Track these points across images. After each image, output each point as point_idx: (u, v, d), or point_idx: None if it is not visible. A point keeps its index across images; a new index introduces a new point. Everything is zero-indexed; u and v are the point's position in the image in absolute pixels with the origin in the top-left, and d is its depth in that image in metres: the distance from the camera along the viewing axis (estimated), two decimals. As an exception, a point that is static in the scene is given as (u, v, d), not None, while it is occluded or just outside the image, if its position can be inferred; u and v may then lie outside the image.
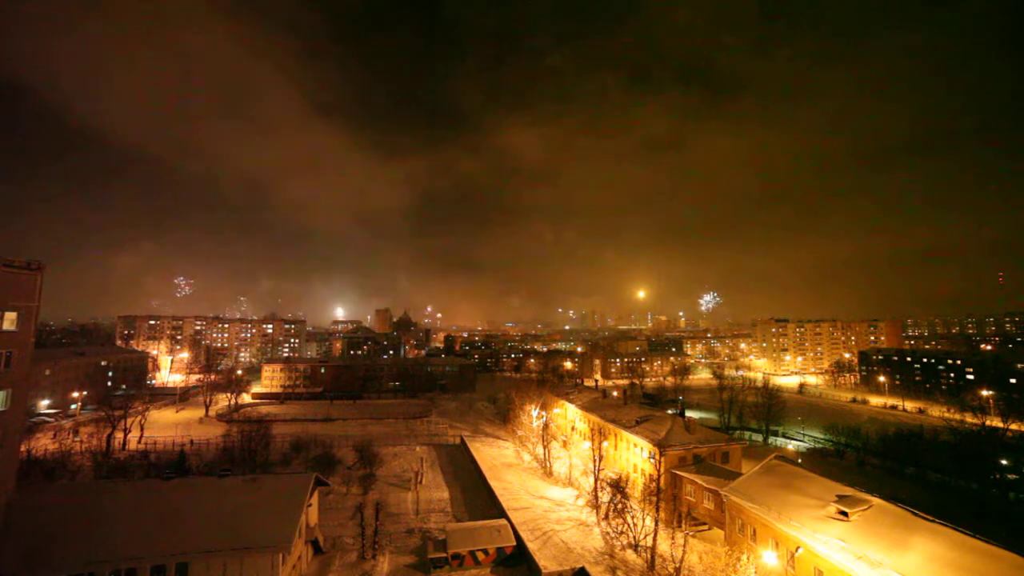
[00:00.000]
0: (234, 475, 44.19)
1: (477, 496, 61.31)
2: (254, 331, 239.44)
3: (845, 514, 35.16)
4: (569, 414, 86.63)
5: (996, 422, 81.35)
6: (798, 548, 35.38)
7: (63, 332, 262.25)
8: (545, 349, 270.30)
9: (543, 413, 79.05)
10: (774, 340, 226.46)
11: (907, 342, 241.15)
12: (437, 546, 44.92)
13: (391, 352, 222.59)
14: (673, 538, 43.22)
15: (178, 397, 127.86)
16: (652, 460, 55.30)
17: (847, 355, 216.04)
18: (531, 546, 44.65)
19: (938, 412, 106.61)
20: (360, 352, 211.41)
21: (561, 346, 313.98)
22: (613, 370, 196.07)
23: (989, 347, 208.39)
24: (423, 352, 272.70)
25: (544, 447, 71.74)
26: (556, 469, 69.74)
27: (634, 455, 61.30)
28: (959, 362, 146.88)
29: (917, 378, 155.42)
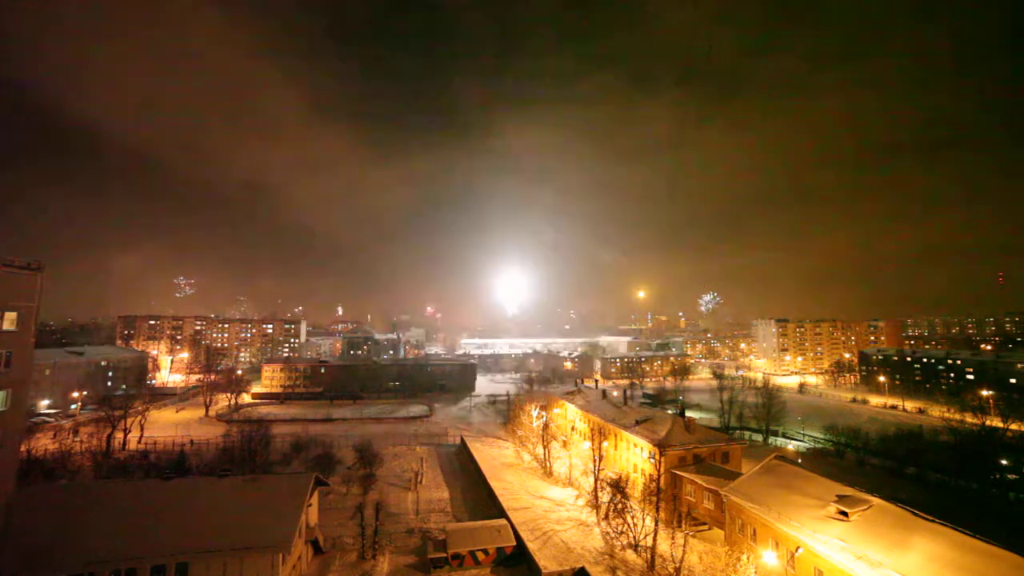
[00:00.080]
0: (234, 475, 44.20)
1: (477, 496, 61.32)
2: (254, 331, 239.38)
3: (845, 514, 35.17)
4: (569, 414, 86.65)
5: (996, 422, 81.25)
6: (798, 548, 35.39)
7: (63, 332, 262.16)
8: (545, 349, 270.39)
9: (543, 413, 79.06)
10: (774, 340, 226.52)
11: (907, 342, 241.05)
12: (437, 546, 44.92)
13: (391, 352, 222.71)
14: (673, 538, 43.19)
15: (178, 397, 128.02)
16: (652, 460, 55.30)
17: (847, 355, 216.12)
18: (531, 546, 44.65)
19: (938, 412, 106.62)
20: (360, 352, 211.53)
21: (561, 346, 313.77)
22: (613, 370, 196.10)
23: (989, 347, 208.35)
24: (423, 352, 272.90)
25: (544, 447, 71.75)
26: (556, 469, 69.74)
27: (634, 455, 61.30)
28: (959, 362, 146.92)
29: (917, 378, 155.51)
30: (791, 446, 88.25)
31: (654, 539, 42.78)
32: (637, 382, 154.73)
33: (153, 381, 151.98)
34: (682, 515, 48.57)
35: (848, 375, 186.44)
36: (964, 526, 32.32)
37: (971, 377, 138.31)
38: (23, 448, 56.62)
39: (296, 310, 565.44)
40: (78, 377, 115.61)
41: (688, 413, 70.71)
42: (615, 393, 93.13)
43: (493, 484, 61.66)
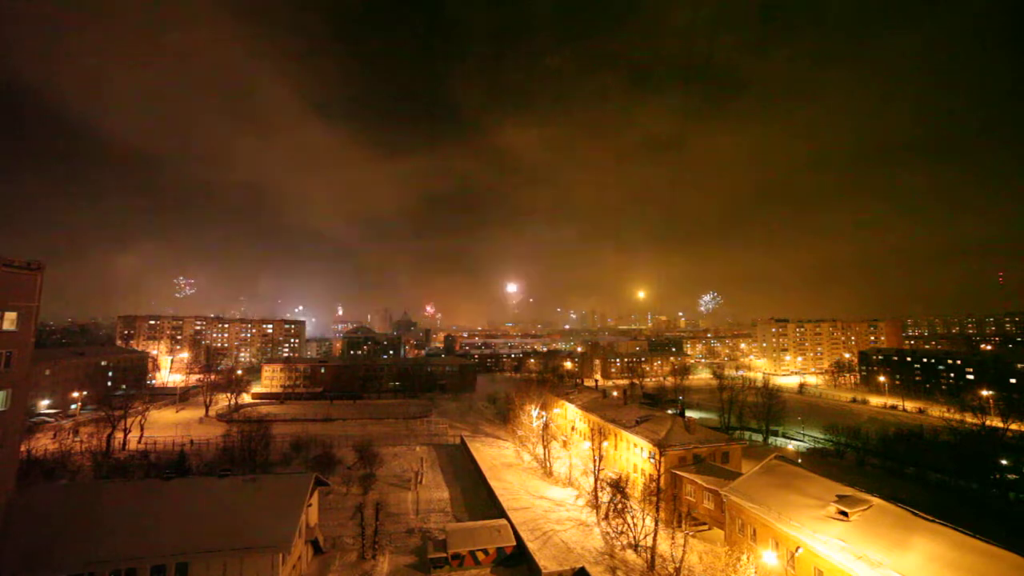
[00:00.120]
0: (234, 475, 44.15)
1: (477, 496, 61.32)
2: (254, 331, 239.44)
3: (845, 514, 35.16)
4: (569, 414, 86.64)
5: (996, 422, 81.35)
6: (798, 548, 35.39)
7: (63, 332, 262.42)
8: (545, 349, 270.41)
9: (543, 413, 79.05)
10: (774, 340, 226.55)
11: (907, 342, 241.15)
12: (437, 546, 44.94)
13: (391, 352, 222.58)
14: (673, 538, 43.20)
15: (178, 397, 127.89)
16: (652, 460, 55.30)
17: (847, 355, 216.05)
18: (531, 546, 44.66)
19: (938, 412, 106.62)
20: (360, 352, 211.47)
21: (561, 346, 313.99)
22: (613, 370, 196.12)
23: (989, 347, 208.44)
24: (423, 352, 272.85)
25: (544, 447, 71.74)
26: (556, 469, 69.74)
27: (634, 455, 61.30)
28: (959, 362, 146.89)
29: (917, 378, 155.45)
30: (791, 446, 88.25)
31: (654, 539, 42.79)
32: (637, 382, 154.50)
33: (153, 381, 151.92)
34: (682, 515, 48.55)
35: (848, 375, 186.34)
36: (964, 526, 32.31)
37: (971, 377, 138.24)
38: (23, 448, 56.65)
39: (296, 310, 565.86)
40: (78, 377, 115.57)
41: (688, 413, 70.80)
42: (615, 393, 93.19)
43: (493, 484, 61.67)
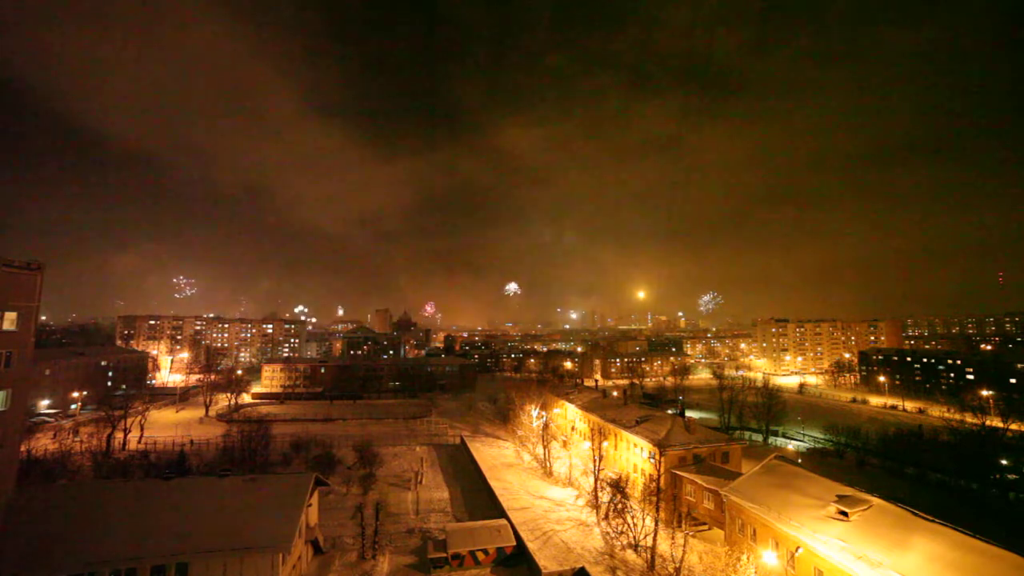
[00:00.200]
0: (234, 475, 44.14)
1: (477, 496, 61.31)
2: (254, 331, 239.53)
3: (845, 514, 35.15)
4: (569, 414, 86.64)
5: (996, 422, 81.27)
6: (798, 548, 35.38)
7: (63, 332, 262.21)
8: (545, 349, 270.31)
9: (543, 413, 79.06)
10: (774, 340, 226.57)
11: (907, 342, 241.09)
12: (437, 546, 44.93)
13: (391, 352, 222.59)
14: (673, 538, 43.21)
15: (178, 397, 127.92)
16: (652, 460, 55.29)
17: (847, 355, 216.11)
18: (531, 546, 44.66)
19: (938, 412, 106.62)
20: (360, 352, 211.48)
21: (561, 346, 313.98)
22: (613, 370, 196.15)
23: (989, 347, 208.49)
24: (423, 352, 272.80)
25: (544, 447, 71.74)
26: (556, 469, 69.74)
27: (634, 455, 61.29)
28: (959, 362, 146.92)
29: (917, 378, 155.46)
30: (791, 446, 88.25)
31: (654, 539, 42.79)
32: (637, 382, 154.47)
33: (153, 381, 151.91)
34: (682, 515, 48.57)
35: (848, 375, 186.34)
36: (964, 526, 32.30)
37: (971, 377, 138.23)
38: (23, 448, 56.57)
39: (296, 310, 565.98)
40: (78, 377, 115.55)
41: (688, 413, 70.86)
42: (615, 393, 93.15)
43: (493, 484, 61.68)
